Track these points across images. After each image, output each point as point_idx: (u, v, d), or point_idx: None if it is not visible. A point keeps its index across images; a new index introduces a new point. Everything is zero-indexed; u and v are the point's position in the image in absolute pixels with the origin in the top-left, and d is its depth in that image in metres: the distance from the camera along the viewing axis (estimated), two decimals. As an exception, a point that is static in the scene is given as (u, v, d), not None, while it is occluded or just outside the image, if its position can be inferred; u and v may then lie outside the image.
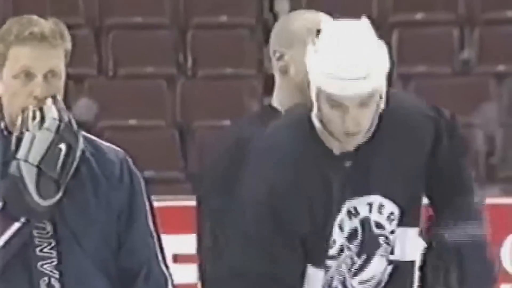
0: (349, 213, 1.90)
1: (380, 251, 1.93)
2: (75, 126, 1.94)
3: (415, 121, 1.95)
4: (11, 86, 1.93)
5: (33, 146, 1.89)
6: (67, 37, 1.97)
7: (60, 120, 1.90)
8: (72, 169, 1.93)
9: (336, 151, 1.90)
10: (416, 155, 1.95)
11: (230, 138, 2.09)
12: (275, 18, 8.56)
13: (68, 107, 1.98)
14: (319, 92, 1.84)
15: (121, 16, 9.82)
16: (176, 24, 9.61)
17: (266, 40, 8.33)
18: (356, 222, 1.90)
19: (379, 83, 1.84)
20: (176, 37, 9.46)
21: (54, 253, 1.98)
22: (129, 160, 2.07)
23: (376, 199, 1.91)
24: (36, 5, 8.27)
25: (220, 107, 8.70)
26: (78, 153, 1.93)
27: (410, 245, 1.97)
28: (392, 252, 1.95)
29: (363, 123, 1.85)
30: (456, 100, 8.69)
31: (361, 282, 1.94)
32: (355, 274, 1.93)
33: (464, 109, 8.68)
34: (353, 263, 1.92)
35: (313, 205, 1.89)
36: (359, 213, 1.90)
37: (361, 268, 1.93)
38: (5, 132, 1.96)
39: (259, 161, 1.93)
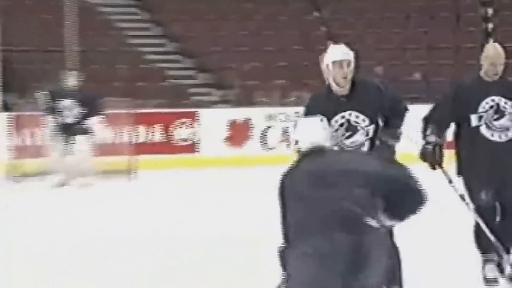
0: (341, 116, 4.61)
1: (359, 132, 4.63)
2: None
3: (373, 86, 4.79)
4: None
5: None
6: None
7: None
8: None
9: (339, 94, 4.67)
10: (375, 99, 4.67)
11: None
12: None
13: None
14: (329, 68, 4.61)
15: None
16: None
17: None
18: (344, 119, 4.62)
19: (351, 60, 4.60)
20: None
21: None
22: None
23: (355, 113, 4.61)
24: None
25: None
26: None
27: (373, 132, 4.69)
28: (368, 134, 4.64)
29: (348, 77, 4.61)
30: None
31: (351, 143, 4.62)
32: (347, 138, 4.62)
33: None
34: (343, 134, 4.61)
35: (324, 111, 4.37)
36: (344, 117, 4.61)
37: (349, 137, 4.62)
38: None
39: None
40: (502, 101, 5.11)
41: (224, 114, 14.01)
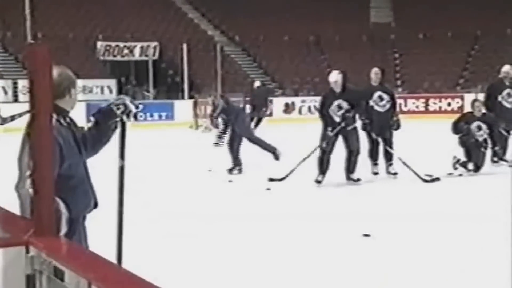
0: (337, 105, 11.53)
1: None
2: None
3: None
4: None
5: None
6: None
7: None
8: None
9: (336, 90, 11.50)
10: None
11: None
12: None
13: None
14: None
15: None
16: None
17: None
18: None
19: None
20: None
21: None
22: None
23: (342, 101, 11.49)
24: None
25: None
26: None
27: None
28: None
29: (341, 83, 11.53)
30: None
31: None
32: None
33: None
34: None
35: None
36: (341, 107, 11.51)
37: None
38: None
39: None
40: (382, 94, 12.39)
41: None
